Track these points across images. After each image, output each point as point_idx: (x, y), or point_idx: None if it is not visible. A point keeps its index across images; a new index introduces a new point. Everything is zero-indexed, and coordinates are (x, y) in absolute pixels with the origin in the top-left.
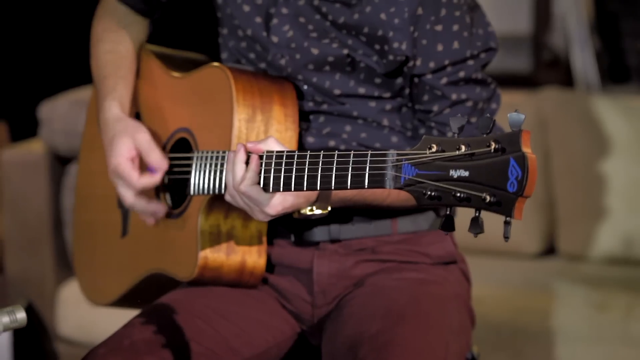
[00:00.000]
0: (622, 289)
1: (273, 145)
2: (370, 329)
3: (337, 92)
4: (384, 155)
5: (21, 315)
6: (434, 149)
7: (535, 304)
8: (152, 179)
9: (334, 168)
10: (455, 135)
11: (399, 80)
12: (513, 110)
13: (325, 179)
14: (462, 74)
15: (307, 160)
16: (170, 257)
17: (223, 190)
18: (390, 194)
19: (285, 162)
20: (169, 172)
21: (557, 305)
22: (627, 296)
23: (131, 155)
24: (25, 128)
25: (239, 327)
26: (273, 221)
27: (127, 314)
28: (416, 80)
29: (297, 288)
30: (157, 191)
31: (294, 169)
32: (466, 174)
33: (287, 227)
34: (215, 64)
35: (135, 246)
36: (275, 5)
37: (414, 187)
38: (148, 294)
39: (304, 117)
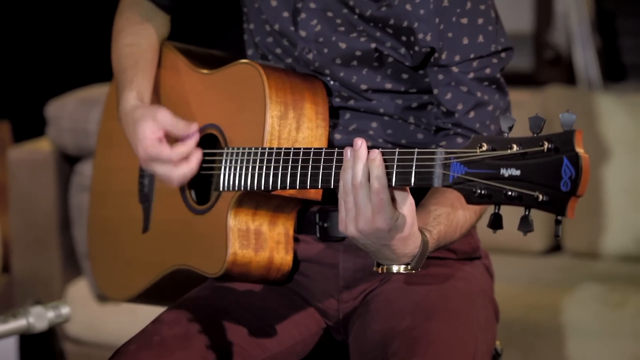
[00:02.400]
0: (630, 286)
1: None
2: (400, 324)
3: (363, 87)
4: (432, 153)
5: (66, 310)
6: (484, 148)
7: (545, 300)
8: (187, 146)
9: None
10: (506, 134)
11: (427, 78)
12: (520, 108)
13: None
14: (487, 71)
15: (334, 157)
16: (197, 253)
17: (255, 187)
18: (456, 230)
19: (325, 158)
20: None
21: (567, 301)
22: (635, 292)
23: (157, 135)
24: (28, 127)
25: (266, 323)
26: (299, 217)
27: (134, 313)
28: (440, 76)
29: (323, 284)
30: (181, 187)
31: (333, 165)
32: (517, 172)
33: (313, 223)
34: (246, 60)
35: (157, 242)
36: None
37: (463, 186)
38: (170, 290)
39: (331, 114)
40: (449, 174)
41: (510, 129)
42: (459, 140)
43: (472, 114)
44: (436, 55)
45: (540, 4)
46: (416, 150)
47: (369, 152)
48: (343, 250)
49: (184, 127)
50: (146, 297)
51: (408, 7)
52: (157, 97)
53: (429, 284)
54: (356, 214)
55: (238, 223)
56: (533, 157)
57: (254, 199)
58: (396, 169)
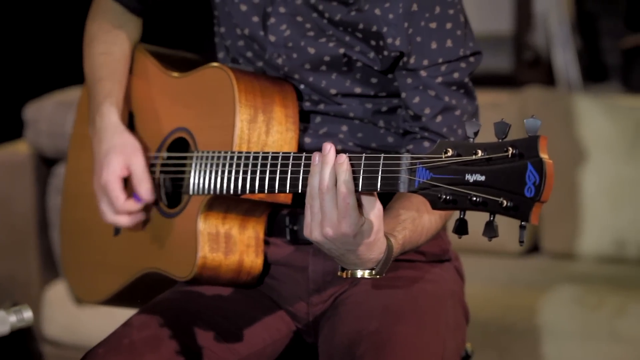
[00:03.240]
0: (607, 287)
1: None
2: (368, 326)
3: (333, 91)
4: (398, 158)
5: (28, 314)
6: (449, 153)
7: (521, 302)
8: (136, 205)
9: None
10: (471, 140)
11: (396, 82)
12: (498, 110)
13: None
14: (456, 76)
15: (302, 162)
16: (167, 256)
17: (225, 191)
18: (421, 235)
19: (293, 162)
20: (166, 171)
21: (543, 303)
22: (611, 293)
23: (123, 174)
24: (6, 130)
25: (236, 325)
26: (270, 221)
27: (113, 316)
28: (409, 80)
29: (292, 286)
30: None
31: (301, 170)
32: (482, 178)
33: (283, 226)
34: (216, 64)
35: (129, 245)
36: (273, 4)
37: (429, 191)
38: (141, 292)
39: (301, 118)
40: (414, 179)
41: (475, 134)
42: (426, 144)
43: (439, 118)
44: (405, 59)
45: (520, 6)
46: (382, 155)
47: (337, 156)
48: (312, 253)
49: (145, 191)
50: (118, 300)
51: (377, 11)
52: (128, 102)
53: (397, 287)
54: (322, 219)
55: (208, 227)
56: (498, 162)
57: (224, 203)
58: (362, 173)
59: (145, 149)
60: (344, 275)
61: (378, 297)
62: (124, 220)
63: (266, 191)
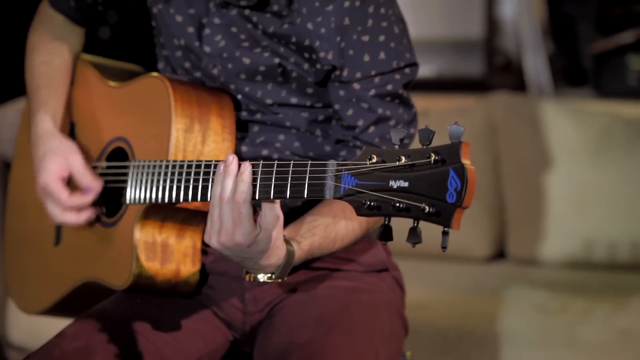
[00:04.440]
0: (570, 293)
1: None
2: (299, 337)
3: (269, 101)
4: (324, 165)
5: None
6: (374, 160)
7: (482, 308)
8: (83, 199)
9: (273, 178)
10: (396, 146)
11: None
12: (465, 115)
13: (265, 188)
14: (389, 87)
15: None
16: (104, 265)
17: (160, 200)
18: (335, 242)
19: (215, 171)
20: (105, 180)
21: (505, 309)
22: (575, 299)
23: (62, 174)
24: None
25: (171, 336)
26: None
27: None
28: (342, 92)
29: (229, 296)
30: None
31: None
32: (406, 184)
33: None
34: (154, 74)
35: (68, 255)
36: (208, 15)
37: (354, 197)
38: (82, 302)
39: (239, 127)
40: (340, 186)
41: (401, 140)
42: (358, 152)
43: (371, 129)
44: (337, 72)
45: (490, 10)
46: (309, 162)
47: (239, 166)
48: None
49: (89, 181)
50: (59, 310)
51: (309, 25)
52: (70, 112)
53: (332, 297)
54: (219, 227)
55: (144, 236)
56: (421, 169)
57: (161, 212)
58: (290, 180)
59: (86, 158)
60: (247, 278)
61: (311, 308)
62: (72, 218)
63: (199, 199)
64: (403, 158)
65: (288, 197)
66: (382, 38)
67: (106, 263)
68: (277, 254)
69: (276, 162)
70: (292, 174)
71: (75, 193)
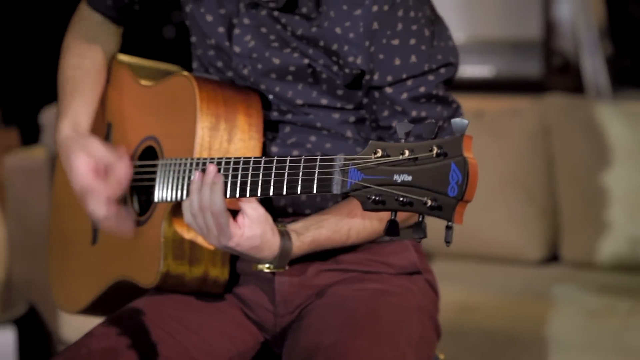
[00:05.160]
0: (625, 296)
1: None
2: (326, 340)
3: (299, 102)
4: (332, 160)
5: None
6: (379, 154)
7: (532, 311)
8: (119, 184)
9: (286, 173)
10: (402, 140)
11: (361, 93)
12: (519, 117)
13: (278, 184)
14: (422, 90)
15: (262, 165)
16: (134, 264)
17: (185, 198)
18: (349, 235)
19: (242, 167)
20: (136, 179)
21: (554, 313)
22: (628, 303)
23: (90, 167)
24: (35, 134)
25: (200, 336)
26: None
27: None
28: (376, 94)
29: (259, 297)
30: (124, 198)
31: (249, 174)
32: (409, 178)
33: None
34: (184, 72)
35: (103, 254)
36: (238, 15)
37: (360, 192)
38: (117, 301)
39: (270, 127)
40: (347, 181)
41: (407, 134)
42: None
43: (412, 126)
44: (368, 76)
45: (548, 11)
46: (319, 157)
47: (214, 176)
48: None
49: (113, 154)
50: (95, 309)
51: (337, 30)
52: (102, 114)
53: (360, 299)
54: (207, 233)
55: (172, 234)
56: (424, 162)
57: None
58: (301, 176)
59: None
60: (254, 268)
61: (339, 310)
62: (113, 210)
63: (228, 196)
64: (407, 152)
65: (299, 192)
66: (412, 41)
67: (136, 261)
68: (269, 247)
69: (289, 157)
70: (303, 169)
71: (110, 177)
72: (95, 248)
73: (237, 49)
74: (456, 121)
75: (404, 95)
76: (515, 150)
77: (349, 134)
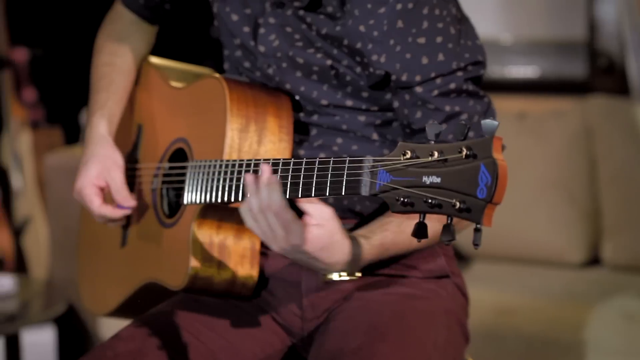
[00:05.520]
0: None
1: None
2: (350, 344)
3: (324, 102)
4: (361, 161)
5: None
6: (408, 155)
7: (570, 315)
8: (114, 212)
9: (315, 175)
10: (432, 141)
11: (387, 96)
12: (561, 118)
13: (306, 186)
14: (452, 85)
15: (291, 167)
16: (163, 266)
17: (214, 200)
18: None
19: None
20: (165, 181)
21: (593, 317)
22: None
23: (99, 183)
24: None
25: (227, 340)
26: None
27: None
28: (407, 96)
29: (287, 301)
30: (154, 200)
31: (278, 176)
32: (438, 180)
33: None
34: (215, 74)
35: (132, 256)
36: (263, 15)
37: (388, 194)
38: (145, 304)
39: (297, 129)
40: (375, 182)
41: (437, 135)
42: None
43: (443, 127)
44: (394, 77)
45: (593, 11)
46: (348, 158)
47: (267, 177)
48: (306, 268)
49: (123, 198)
50: (123, 312)
51: (362, 28)
52: (133, 115)
53: (386, 303)
54: (273, 235)
55: (201, 236)
56: (453, 164)
57: (218, 212)
58: (330, 177)
59: (151, 159)
60: (324, 280)
61: (365, 314)
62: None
63: None
64: (436, 153)
65: (327, 193)
66: (439, 39)
67: (165, 264)
68: (340, 249)
69: (318, 158)
70: (332, 170)
71: (108, 204)
72: (125, 250)
73: (261, 48)
74: (486, 122)
75: (435, 92)
76: (558, 151)
77: (375, 136)
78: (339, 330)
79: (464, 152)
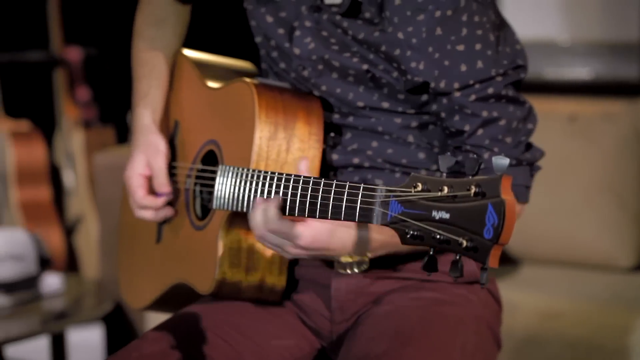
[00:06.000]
0: None
1: None
2: (376, 349)
3: (360, 104)
4: (374, 190)
5: None
6: (419, 188)
7: (617, 320)
8: (155, 201)
9: (331, 197)
10: (444, 175)
11: (423, 98)
12: (610, 121)
13: (324, 207)
14: (490, 90)
15: (310, 186)
16: (192, 268)
17: (242, 208)
18: None
19: (292, 185)
20: (197, 183)
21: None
22: None
23: (144, 172)
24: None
25: (255, 342)
26: None
27: None
28: (445, 100)
29: (316, 304)
30: (187, 200)
31: (299, 194)
32: (447, 216)
33: None
34: (245, 78)
35: (166, 253)
36: (299, 18)
37: (398, 225)
38: (179, 302)
39: (332, 131)
40: (387, 213)
41: (449, 169)
42: (471, 156)
43: (480, 132)
44: (432, 84)
45: None
46: (362, 185)
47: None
48: (336, 271)
49: (159, 184)
50: (159, 307)
51: (400, 35)
52: (169, 110)
53: (414, 308)
54: (282, 246)
55: (229, 242)
56: (462, 200)
57: (246, 218)
58: (345, 202)
59: (185, 158)
60: (338, 268)
61: (392, 319)
62: (148, 215)
63: (287, 214)
64: (446, 188)
65: (342, 218)
66: (478, 46)
67: (194, 266)
68: (346, 231)
69: (335, 181)
70: (347, 195)
71: (152, 195)
72: (159, 246)
73: (297, 51)
74: (496, 160)
75: (472, 97)
76: (608, 154)
77: (410, 139)
78: (365, 335)
79: (473, 189)
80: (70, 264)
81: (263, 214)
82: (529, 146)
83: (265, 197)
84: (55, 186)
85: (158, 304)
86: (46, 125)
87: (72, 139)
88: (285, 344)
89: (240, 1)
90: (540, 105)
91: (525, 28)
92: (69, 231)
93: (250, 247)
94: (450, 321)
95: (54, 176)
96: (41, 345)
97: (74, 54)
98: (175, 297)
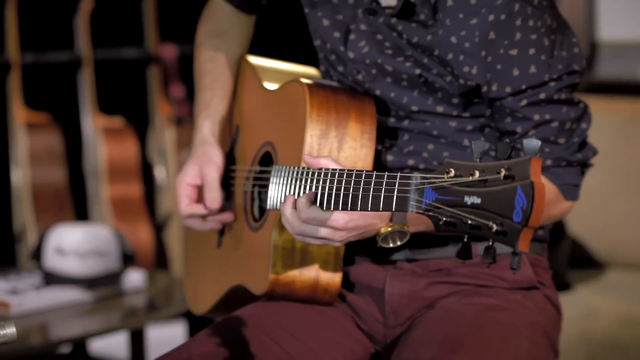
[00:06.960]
0: None
1: (328, 164)
2: (424, 355)
3: (415, 108)
4: (409, 178)
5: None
6: (451, 174)
7: None
8: (199, 210)
9: (371, 189)
10: (477, 160)
11: (477, 101)
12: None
13: (364, 199)
14: (542, 95)
15: (344, 179)
16: (248, 270)
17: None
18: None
19: (329, 179)
20: (258, 185)
21: None
22: None
23: (194, 182)
24: None
25: (307, 345)
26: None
27: None
28: (497, 103)
29: (370, 307)
30: (245, 202)
31: (335, 187)
32: (478, 201)
33: (366, 244)
34: (300, 79)
35: (225, 258)
36: (355, 21)
37: (433, 213)
38: (236, 306)
39: (388, 134)
40: (422, 201)
41: (482, 153)
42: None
43: (531, 133)
44: (484, 88)
45: None
46: (399, 174)
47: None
48: (390, 275)
49: (209, 197)
50: (217, 312)
51: (453, 39)
52: (232, 115)
53: (466, 314)
54: (325, 238)
55: (282, 242)
56: (492, 184)
57: None
58: (384, 192)
59: (245, 161)
60: (380, 245)
61: (443, 324)
62: (194, 223)
63: (332, 207)
64: (477, 173)
65: (381, 208)
66: (532, 51)
67: (249, 268)
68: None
69: (375, 172)
70: (385, 185)
71: (198, 204)
72: (220, 251)
73: (351, 54)
74: (527, 142)
75: (523, 102)
76: None
77: (466, 142)
78: (416, 340)
79: (503, 172)
80: (160, 261)
81: (292, 207)
82: (582, 145)
83: (323, 194)
84: (147, 183)
85: (217, 309)
86: (139, 122)
87: (165, 136)
88: (339, 348)
89: (301, 6)
90: (635, 106)
91: (620, 29)
92: (159, 228)
93: (303, 246)
94: (502, 327)
95: (147, 173)
96: (122, 340)
97: (169, 52)
98: (234, 301)
